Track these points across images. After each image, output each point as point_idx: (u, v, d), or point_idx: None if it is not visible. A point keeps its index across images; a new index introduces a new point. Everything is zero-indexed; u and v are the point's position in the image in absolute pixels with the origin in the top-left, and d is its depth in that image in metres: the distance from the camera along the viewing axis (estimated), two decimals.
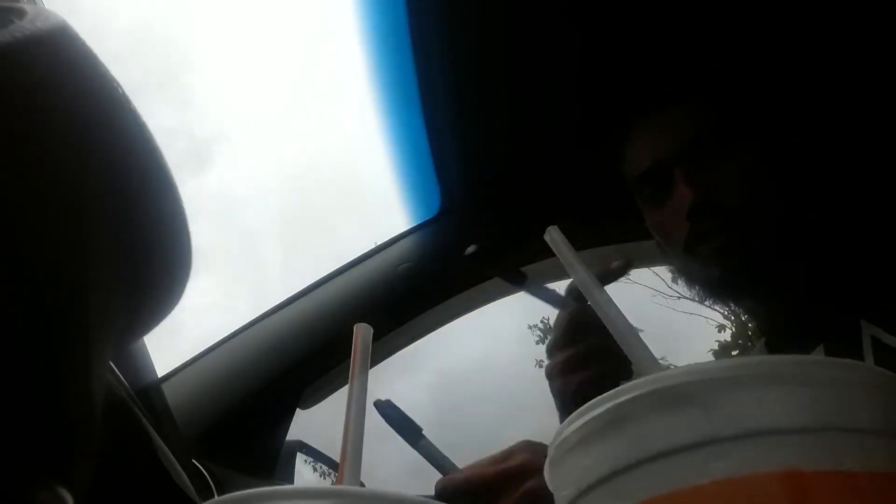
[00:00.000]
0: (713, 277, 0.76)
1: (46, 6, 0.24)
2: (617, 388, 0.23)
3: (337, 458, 0.30)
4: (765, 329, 0.84)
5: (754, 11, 0.86)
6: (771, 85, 0.82)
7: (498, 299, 1.24)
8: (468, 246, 1.19)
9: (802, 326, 0.75)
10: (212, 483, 0.78)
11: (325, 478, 1.12)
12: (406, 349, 1.20)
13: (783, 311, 0.79)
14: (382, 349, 1.14)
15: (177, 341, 1.13)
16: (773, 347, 0.80)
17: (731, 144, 0.76)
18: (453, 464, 0.72)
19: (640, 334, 0.31)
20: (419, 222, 1.20)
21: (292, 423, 1.09)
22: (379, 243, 1.22)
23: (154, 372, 0.87)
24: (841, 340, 0.69)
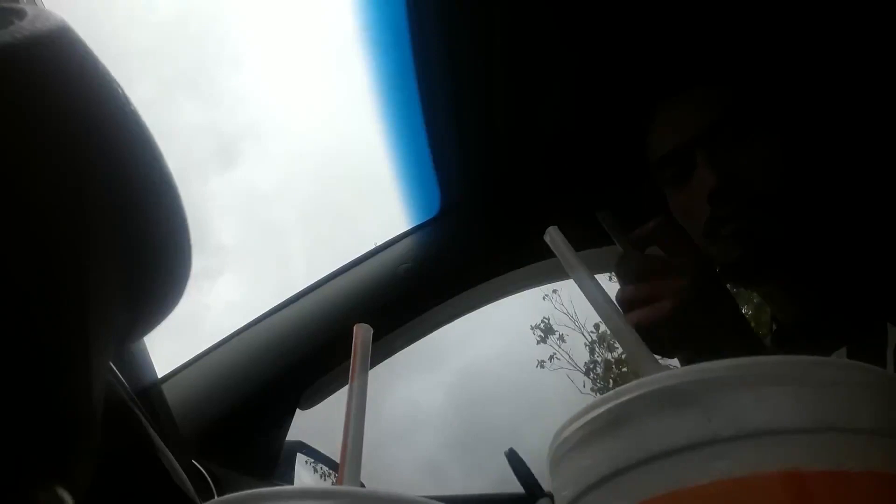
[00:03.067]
0: (732, 259, 0.76)
1: (47, 6, 0.24)
2: (617, 389, 0.23)
3: (337, 458, 0.30)
4: (782, 318, 0.83)
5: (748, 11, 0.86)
6: (797, 71, 0.81)
7: (498, 299, 1.25)
8: (468, 246, 1.19)
9: (825, 325, 0.74)
10: (212, 483, 0.78)
11: (325, 478, 1.11)
12: (411, 351, 1.20)
13: (804, 301, 0.78)
14: (382, 349, 1.14)
15: (199, 338, 1.14)
16: (784, 340, 0.80)
17: (754, 129, 0.76)
18: None
19: None
20: (419, 222, 1.20)
21: (292, 423, 1.09)
22: (379, 243, 1.22)
23: (154, 372, 0.88)
24: (866, 344, 0.68)
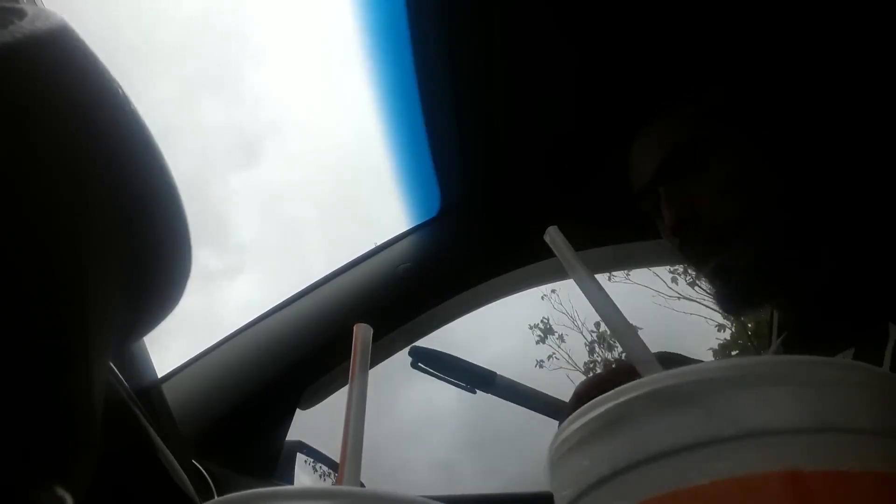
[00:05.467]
0: (724, 294, 0.77)
1: (46, 6, 0.24)
2: (617, 389, 0.23)
3: (337, 458, 0.30)
4: (789, 325, 0.84)
5: (742, 16, 0.86)
6: (757, 88, 0.81)
7: (498, 299, 1.25)
8: (468, 246, 1.19)
9: (830, 329, 0.74)
10: (212, 483, 0.78)
11: (325, 478, 1.11)
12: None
13: (805, 314, 0.78)
14: (382, 349, 1.14)
15: (218, 336, 1.14)
16: (791, 346, 0.80)
17: (708, 157, 0.76)
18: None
19: (640, 334, 0.31)
20: (419, 222, 1.20)
21: (292, 423, 1.09)
22: (379, 243, 1.22)
23: (154, 372, 0.88)
24: (871, 344, 0.67)
